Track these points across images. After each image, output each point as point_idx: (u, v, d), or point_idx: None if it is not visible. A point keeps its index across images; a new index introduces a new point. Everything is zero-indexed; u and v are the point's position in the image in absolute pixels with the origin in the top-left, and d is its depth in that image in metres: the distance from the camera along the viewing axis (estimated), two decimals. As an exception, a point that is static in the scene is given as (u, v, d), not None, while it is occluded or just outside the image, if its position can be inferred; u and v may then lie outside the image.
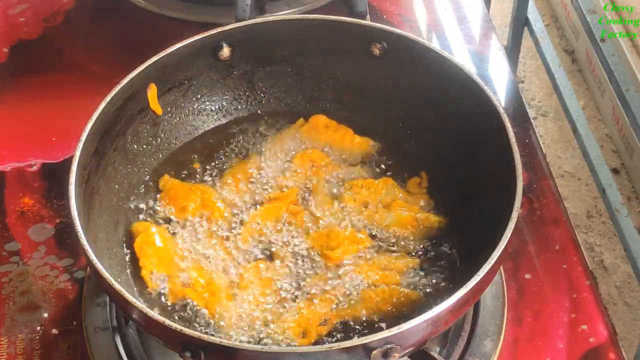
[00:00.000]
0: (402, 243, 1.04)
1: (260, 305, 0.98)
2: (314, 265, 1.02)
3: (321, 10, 1.46)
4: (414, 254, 1.03)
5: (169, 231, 1.05)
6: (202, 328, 0.97)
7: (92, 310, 1.07)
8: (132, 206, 1.08)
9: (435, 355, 0.96)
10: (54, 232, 1.17)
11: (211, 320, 0.97)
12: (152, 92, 1.08)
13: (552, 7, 2.66)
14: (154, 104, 1.09)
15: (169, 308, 0.99)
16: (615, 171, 2.20)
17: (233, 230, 1.05)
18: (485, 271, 0.86)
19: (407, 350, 0.88)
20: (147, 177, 1.11)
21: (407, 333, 0.82)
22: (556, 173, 2.19)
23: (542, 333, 1.06)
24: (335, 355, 0.82)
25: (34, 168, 1.25)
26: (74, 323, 1.07)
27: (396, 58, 1.11)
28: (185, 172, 1.12)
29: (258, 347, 0.82)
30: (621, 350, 1.05)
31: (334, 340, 0.95)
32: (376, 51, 1.12)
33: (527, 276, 1.12)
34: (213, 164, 1.13)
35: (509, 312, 1.07)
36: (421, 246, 1.04)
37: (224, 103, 1.18)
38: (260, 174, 1.12)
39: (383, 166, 1.13)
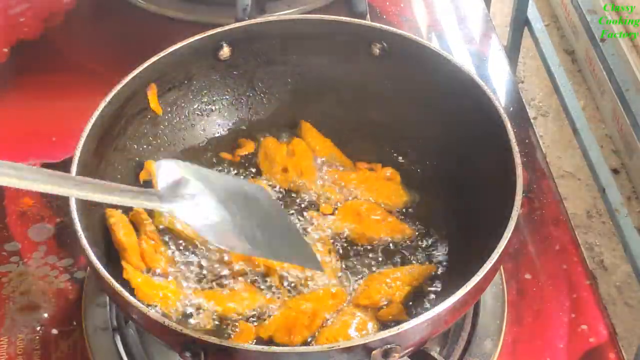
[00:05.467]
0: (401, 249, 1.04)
1: (266, 305, 0.99)
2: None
3: (321, 10, 1.46)
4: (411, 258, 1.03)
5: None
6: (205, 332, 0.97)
7: (92, 310, 1.07)
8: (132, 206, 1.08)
9: (435, 355, 0.96)
10: (54, 232, 1.17)
11: (214, 321, 0.97)
12: (152, 92, 1.08)
13: (552, 7, 2.66)
14: (154, 104, 1.09)
15: (170, 308, 0.99)
16: (615, 171, 2.20)
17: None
18: (485, 271, 0.86)
19: (407, 350, 0.88)
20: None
21: (407, 333, 0.82)
22: (556, 173, 2.19)
23: (542, 333, 1.06)
24: (335, 355, 0.82)
25: (34, 168, 1.24)
26: (74, 323, 1.07)
27: (396, 58, 1.11)
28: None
29: (258, 347, 0.82)
30: (621, 350, 1.05)
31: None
32: (376, 51, 1.12)
33: (527, 276, 1.12)
34: (213, 164, 1.14)
35: (509, 312, 1.07)
36: (422, 246, 1.04)
37: (224, 103, 1.18)
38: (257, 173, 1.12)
39: (382, 165, 1.13)
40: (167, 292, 0.97)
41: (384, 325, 0.97)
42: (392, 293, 0.99)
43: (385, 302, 0.98)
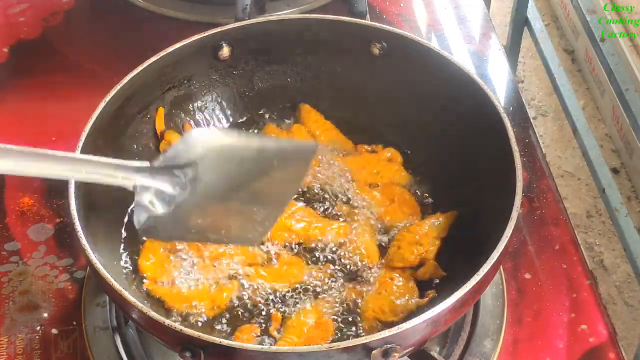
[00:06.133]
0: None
1: (269, 305, 0.99)
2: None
3: (321, 10, 1.46)
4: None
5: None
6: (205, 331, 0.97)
7: (92, 310, 1.07)
8: (132, 206, 1.08)
9: (435, 355, 0.96)
10: (54, 232, 1.17)
11: (215, 320, 0.98)
12: (159, 116, 1.09)
13: (552, 7, 2.66)
14: (159, 124, 1.10)
15: (170, 308, 0.99)
16: (615, 171, 2.20)
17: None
18: (485, 271, 0.86)
19: (407, 350, 0.88)
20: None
21: (407, 333, 0.82)
22: (556, 173, 2.19)
23: (542, 333, 1.06)
24: (336, 355, 0.82)
25: (34, 168, 1.24)
26: (74, 323, 1.07)
27: (396, 58, 1.11)
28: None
29: (258, 347, 0.82)
30: (621, 350, 1.05)
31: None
32: (376, 51, 1.12)
33: (527, 276, 1.12)
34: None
35: (509, 312, 1.07)
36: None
37: (224, 103, 1.18)
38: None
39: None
40: (194, 297, 0.99)
41: (422, 285, 0.99)
42: (424, 251, 1.01)
43: (419, 262, 1.00)
